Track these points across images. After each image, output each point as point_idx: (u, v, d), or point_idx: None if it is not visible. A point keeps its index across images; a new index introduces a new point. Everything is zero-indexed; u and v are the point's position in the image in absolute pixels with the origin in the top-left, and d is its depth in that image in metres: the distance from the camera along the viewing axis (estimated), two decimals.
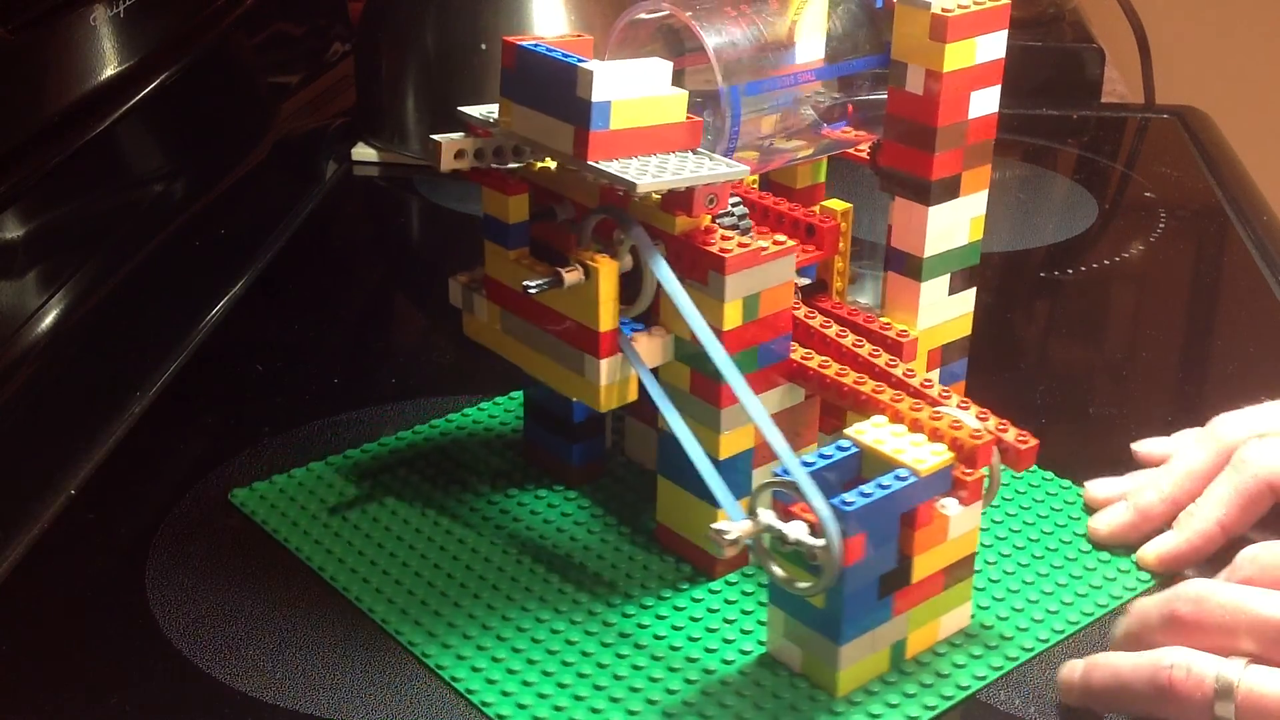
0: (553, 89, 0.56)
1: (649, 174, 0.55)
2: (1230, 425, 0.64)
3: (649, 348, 0.59)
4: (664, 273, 0.57)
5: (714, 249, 0.57)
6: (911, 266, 0.65)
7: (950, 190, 0.64)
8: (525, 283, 0.57)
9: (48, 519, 0.66)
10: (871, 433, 0.56)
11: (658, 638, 0.59)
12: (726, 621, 0.60)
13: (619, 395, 0.59)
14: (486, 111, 0.61)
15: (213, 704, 0.55)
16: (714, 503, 0.60)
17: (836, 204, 0.65)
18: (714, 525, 0.53)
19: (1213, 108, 1.22)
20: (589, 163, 0.56)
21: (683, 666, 0.57)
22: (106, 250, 0.83)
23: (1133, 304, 0.94)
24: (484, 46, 1.04)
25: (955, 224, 0.65)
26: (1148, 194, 1.06)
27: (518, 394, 0.74)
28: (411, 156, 1.08)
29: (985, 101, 0.63)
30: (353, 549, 0.63)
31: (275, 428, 0.73)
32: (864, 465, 0.56)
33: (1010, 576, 0.62)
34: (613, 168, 0.56)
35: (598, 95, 0.55)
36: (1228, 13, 1.70)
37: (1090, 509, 0.66)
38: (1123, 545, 0.64)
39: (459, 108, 0.61)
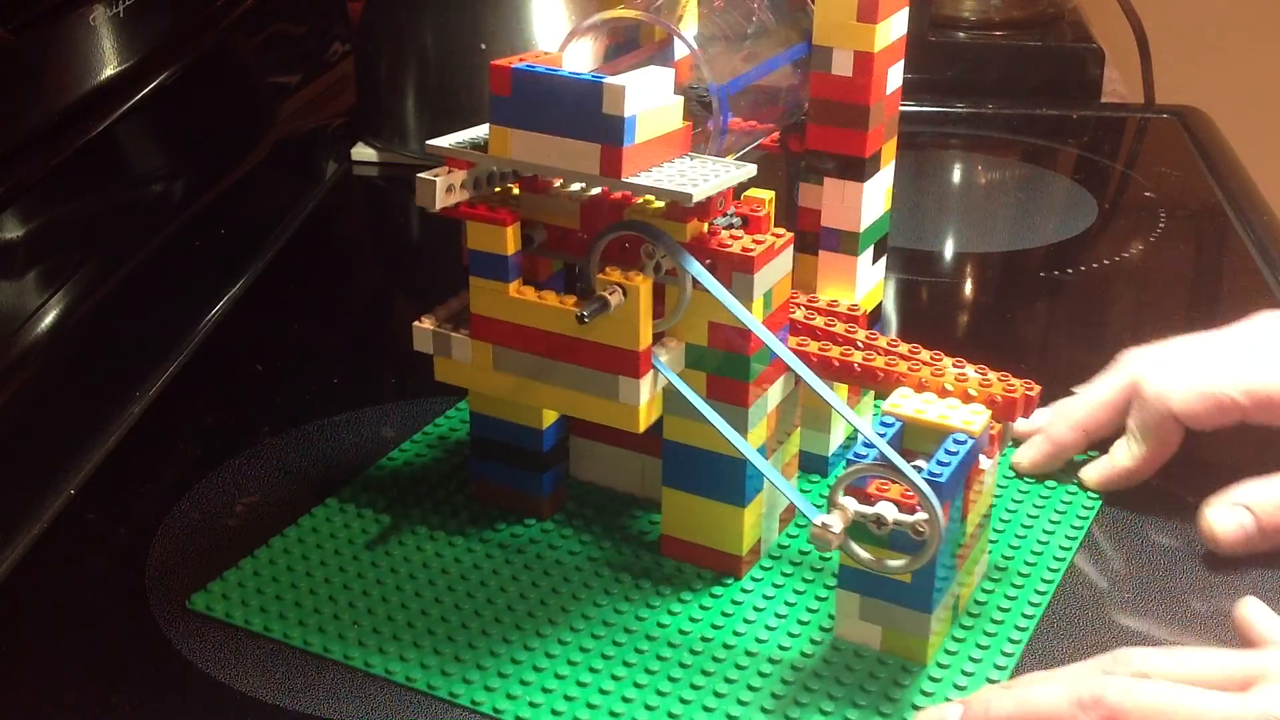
0: (569, 109, 0.55)
1: (687, 183, 0.55)
2: (1136, 357, 0.69)
3: (670, 359, 0.58)
4: (706, 276, 0.56)
5: (734, 249, 0.57)
6: (847, 243, 0.67)
7: (876, 164, 0.67)
8: (580, 312, 0.55)
9: (48, 519, 0.66)
10: (906, 405, 0.58)
11: (727, 646, 0.58)
12: (779, 616, 0.59)
13: (654, 412, 0.59)
14: (458, 141, 0.59)
15: (213, 704, 0.55)
16: (734, 500, 0.60)
17: (759, 193, 0.66)
18: (819, 520, 0.53)
19: (1213, 108, 1.22)
20: (623, 179, 0.55)
21: (771, 670, 0.56)
22: (106, 250, 0.83)
23: (1133, 304, 0.94)
24: (484, 46, 1.04)
25: (878, 196, 0.68)
26: (1148, 194, 1.06)
27: (441, 422, 0.73)
28: (411, 156, 1.08)
29: (895, 76, 0.66)
30: (340, 621, 0.59)
31: (275, 428, 0.73)
32: (905, 437, 0.57)
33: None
34: (646, 180, 0.55)
35: (629, 110, 0.54)
36: (1228, 13, 1.70)
37: (1015, 444, 0.70)
38: (1044, 474, 0.69)
39: (428, 142, 0.59)
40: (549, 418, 0.64)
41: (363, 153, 1.10)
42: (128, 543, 0.65)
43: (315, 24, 1.21)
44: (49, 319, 0.76)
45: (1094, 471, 0.68)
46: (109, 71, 0.86)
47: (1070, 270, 0.94)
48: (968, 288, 0.94)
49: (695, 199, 0.54)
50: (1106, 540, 0.65)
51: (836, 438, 0.69)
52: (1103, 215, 1.03)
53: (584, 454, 0.68)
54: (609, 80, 0.54)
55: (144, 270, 0.85)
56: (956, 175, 1.13)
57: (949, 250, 0.99)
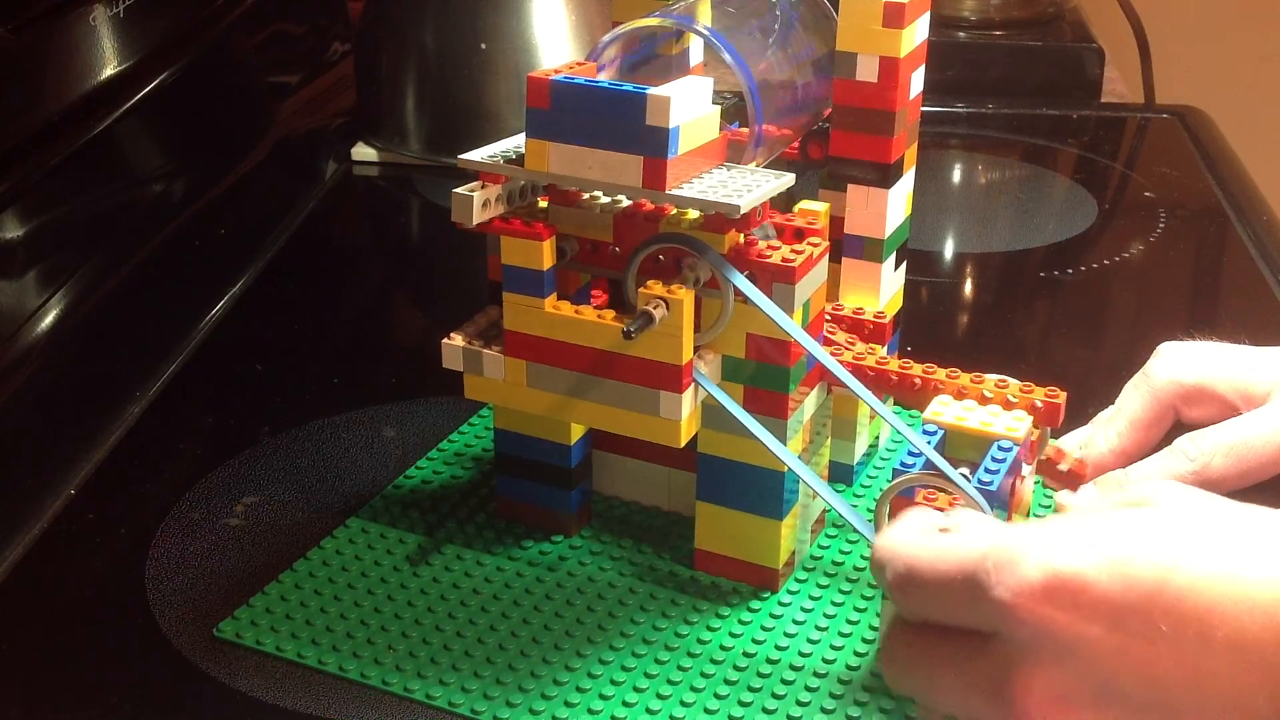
0: (611, 121, 0.53)
1: (731, 194, 0.54)
2: (1166, 373, 0.65)
3: (708, 373, 0.57)
4: (751, 289, 0.55)
5: (774, 260, 0.56)
6: (871, 250, 0.67)
7: (900, 170, 0.66)
8: (627, 328, 0.53)
9: (48, 519, 0.66)
10: (947, 413, 0.57)
11: (771, 661, 0.57)
12: (819, 629, 0.58)
13: (694, 427, 0.57)
14: (490, 154, 0.58)
15: (213, 704, 0.55)
16: (772, 513, 0.59)
17: (813, 204, 0.65)
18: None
19: (1213, 108, 1.22)
20: (666, 192, 0.54)
21: (819, 684, 0.55)
22: (107, 250, 0.83)
23: (1133, 304, 0.94)
24: (484, 46, 1.04)
25: (900, 202, 0.67)
26: (1148, 194, 1.06)
27: (473, 424, 0.73)
28: (411, 156, 1.08)
29: (918, 81, 0.66)
30: (373, 645, 0.57)
31: (275, 428, 0.73)
32: (947, 445, 0.57)
33: None
34: (689, 192, 0.54)
35: (673, 121, 0.53)
36: (1228, 13, 1.70)
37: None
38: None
39: (460, 156, 0.57)
40: (576, 433, 0.63)
41: (363, 153, 1.10)
42: (128, 543, 0.65)
43: (315, 24, 1.22)
44: (49, 319, 0.76)
45: (1081, 504, 0.65)
46: (109, 71, 0.86)
47: (1070, 270, 0.94)
48: (967, 288, 0.94)
49: (742, 210, 0.53)
50: None
51: (860, 446, 0.69)
52: (1103, 215, 1.03)
53: (608, 468, 0.67)
54: (653, 91, 0.52)
55: (144, 270, 0.85)
56: (956, 175, 1.13)
57: (949, 250, 0.99)
